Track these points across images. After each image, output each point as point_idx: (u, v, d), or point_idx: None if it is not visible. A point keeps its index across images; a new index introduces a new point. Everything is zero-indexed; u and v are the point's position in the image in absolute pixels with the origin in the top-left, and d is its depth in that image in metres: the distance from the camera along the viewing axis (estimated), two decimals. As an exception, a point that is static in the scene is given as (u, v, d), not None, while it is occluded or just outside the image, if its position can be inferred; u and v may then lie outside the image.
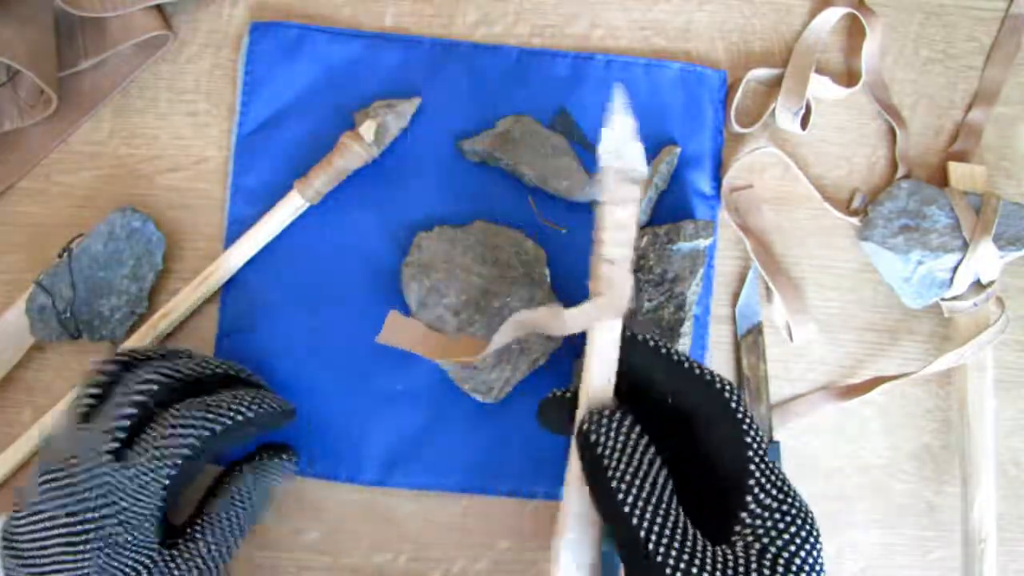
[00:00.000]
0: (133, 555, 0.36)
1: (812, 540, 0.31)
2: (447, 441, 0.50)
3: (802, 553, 0.30)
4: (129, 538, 0.37)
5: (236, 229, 0.50)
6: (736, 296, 0.52)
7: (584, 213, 0.51)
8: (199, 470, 0.42)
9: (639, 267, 0.49)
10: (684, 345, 0.49)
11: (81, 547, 0.36)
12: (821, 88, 0.53)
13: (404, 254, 0.50)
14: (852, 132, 0.54)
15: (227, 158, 0.52)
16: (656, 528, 0.30)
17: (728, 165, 0.52)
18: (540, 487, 0.50)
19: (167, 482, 0.37)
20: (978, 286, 0.49)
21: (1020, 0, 0.55)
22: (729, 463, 0.32)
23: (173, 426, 0.38)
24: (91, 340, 0.48)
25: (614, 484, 0.31)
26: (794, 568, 0.30)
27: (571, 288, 0.51)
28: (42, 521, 0.36)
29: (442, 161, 0.51)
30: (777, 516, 0.31)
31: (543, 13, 0.54)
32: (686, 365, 0.34)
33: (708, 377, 0.34)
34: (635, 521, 0.30)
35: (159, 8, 0.51)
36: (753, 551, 0.30)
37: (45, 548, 0.36)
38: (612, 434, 0.32)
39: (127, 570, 0.36)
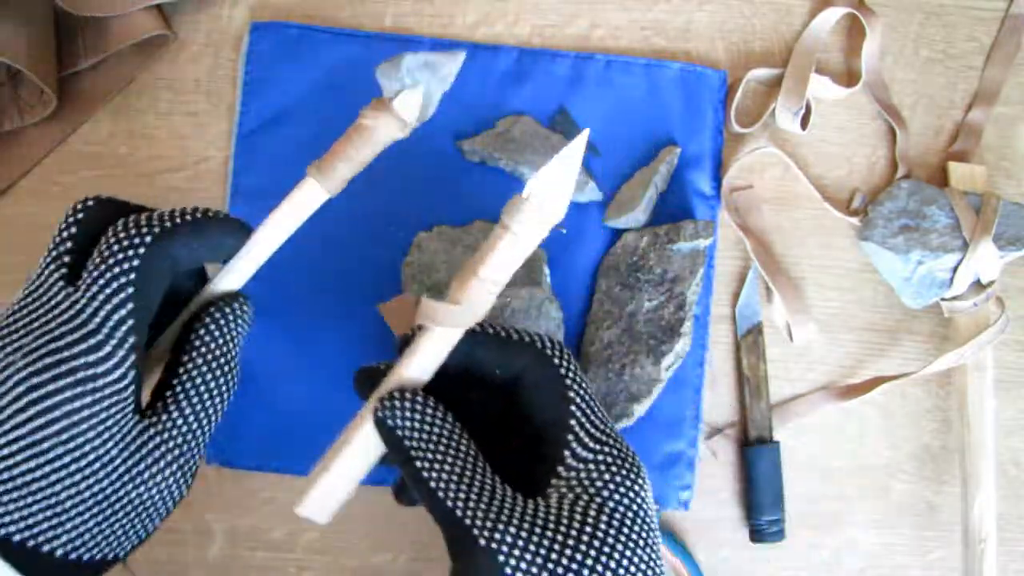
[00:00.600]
0: (98, 421, 0.29)
1: (629, 485, 0.31)
2: (447, 441, 0.50)
3: (616, 497, 0.30)
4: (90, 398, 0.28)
5: (236, 229, 0.50)
6: (736, 296, 0.52)
7: (584, 213, 0.51)
8: (149, 312, 0.31)
9: (639, 267, 0.49)
10: (684, 345, 0.49)
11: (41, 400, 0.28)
12: (821, 88, 0.53)
13: (404, 254, 0.50)
14: (852, 132, 0.54)
15: (227, 158, 0.52)
16: (462, 495, 0.30)
17: (728, 165, 0.52)
18: (540, 487, 0.50)
19: (126, 311, 0.29)
20: (978, 286, 0.49)
21: (1020, 0, 0.55)
22: (550, 421, 0.32)
23: (110, 239, 0.30)
24: None
25: (418, 464, 0.31)
26: (607, 512, 0.30)
27: (571, 288, 0.51)
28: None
29: (442, 161, 0.51)
30: (592, 466, 0.31)
31: (543, 13, 0.54)
32: (507, 335, 0.34)
33: (528, 340, 0.34)
34: (441, 494, 0.30)
35: (159, 8, 0.51)
36: (566, 500, 0.30)
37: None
38: (408, 414, 0.32)
39: (92, 439, 0.28)
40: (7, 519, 0.27)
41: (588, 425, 0.32)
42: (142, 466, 0.30)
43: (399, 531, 0.50)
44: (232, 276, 0.35)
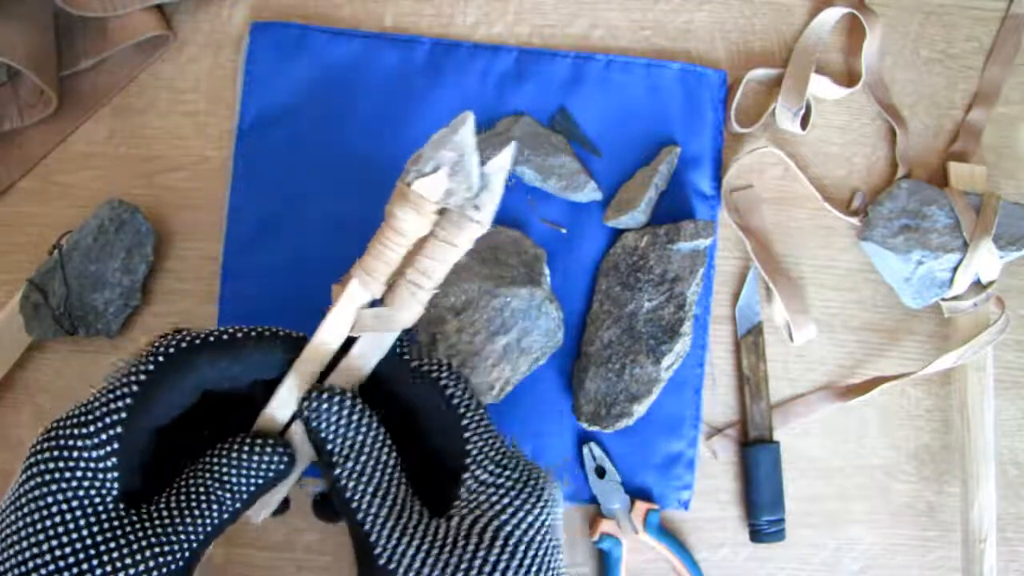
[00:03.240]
0: (86, 506, 0.30)
1: (528, 509, 0.32)
2: (447, 441, 0.50)
3: (514, 521, 0.32)
4: (81, 492, 0.30)
5: (236, 229, 0.50)
6: (736, 296, 0.52)
7: (584, 213, 0.51)
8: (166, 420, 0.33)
9: (639, 267, 0.49)
10: (684, 345, 0.49)
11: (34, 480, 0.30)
12: (821, 88, 0.53)
13: (404, 254, 0.50)
14: (852, 132, 0.54)
15: (227, 158, 0.52)
16: (374, 510, 0.31)
17: (728, 165, 0.52)
18: (540, 487, 0.50)
19: (122, 404, 0.31)
20: (978, 286, 0.49)
21: (1020, 0, 0.55)
22: (449, 448, 0.34)
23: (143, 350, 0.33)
24: (86, 336, 0.48)
25: (338, 471, 0.32)
26: (502, 536, 0.31)
27: (571, 288, 0.51)
28: None
29: (442, 161, 0.51)
30: (492, 490, 0.32)
31: (543, 13, 0.54)
32: (405, 357, 0.35)
33: (424, 368, 0.35)
34: (355, 505, 0.31)
35: (159, 8, 0.51)
36: (466, 522, 0.32)
37: None
38: (334, 416, 0.32)
39: (62, 502, 0.30)
40: None
41: (488, 449, 0.34)
42: (112, 545, 0.30)
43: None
44: (289, 388, 0.34)
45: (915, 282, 0.50)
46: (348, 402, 0.33)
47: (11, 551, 0.29)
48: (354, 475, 0.32)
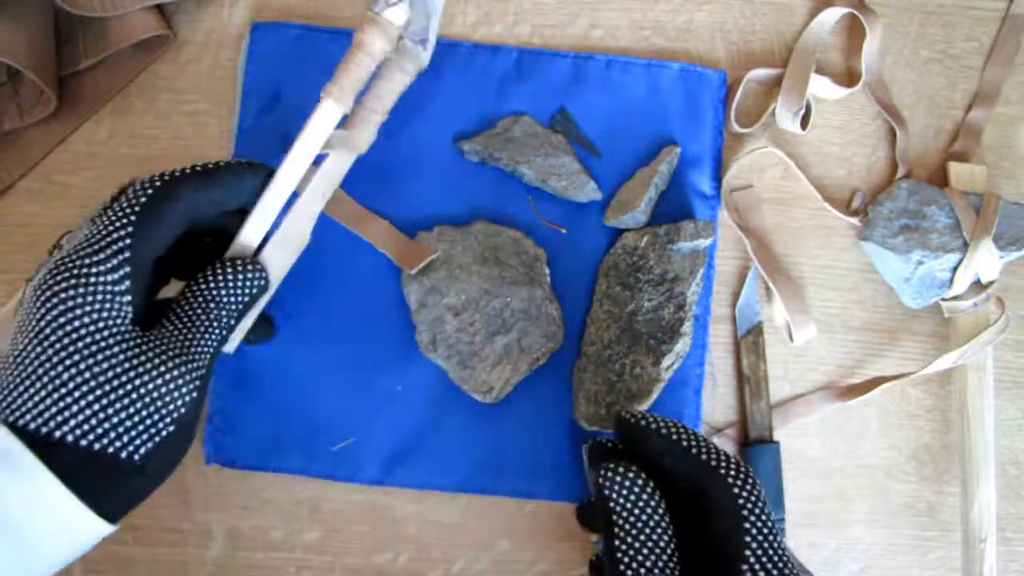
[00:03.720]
0: (110, 326, 0.33)
1: None
2: (447, 441, 0.50)
3: None
4: (103, 315, 0.33)
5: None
6: (736, 296, 0.52)
7: (584, 213, 0.51)
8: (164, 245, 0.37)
9: (639, 267, 0.49)
10: (684, 345, 0.49)
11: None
12: (821, 88, 0.53)
13: (404, 254, 0.50)
14: (852, 132, 0.54)
15: (227, 158, 0.52)
16: None
17: (728, 165, 0.52)
18: (540, 487, 0.50)
19: (124, 232, 0.34)
20: (978, 286, 0.49)
21: (1020, 0, 0.55)
22: (725, 548, 0.34)
23: (128, 187, 0.36)
24: None
25: (617, 543, 0.33)
26: None
27: (571, 288, 0.51)
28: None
29: (442, 161, 0.51)
30: None
31: (543, 13, 0.54)
32: (689, 446, 0.36)
33: (712, 461, 0.35)
34: None
35: (159, 8, 0.51)
36: None
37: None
38: (625, 491, 0.34)
39: (88, 326, 0.32)
40: (22, 408, 0.31)
41: (764, 558, 0.33)
42: (142, 358, 0.33)
43: (399, 531, 0.50)
44: (261, 214, 0.40)
45: (915, 282, 0.50)
46: (640, 480, 0.34)
47: (45, 378, 0.31)
48: (631, 551, 0.33)
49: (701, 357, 0.51)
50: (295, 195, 0.42)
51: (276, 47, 0.52)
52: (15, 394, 0.31)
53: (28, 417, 0.31)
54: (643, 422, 0.37)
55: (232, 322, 0.37)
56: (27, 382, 0.31)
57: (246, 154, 0.51)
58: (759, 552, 0.33)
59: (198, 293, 0.36)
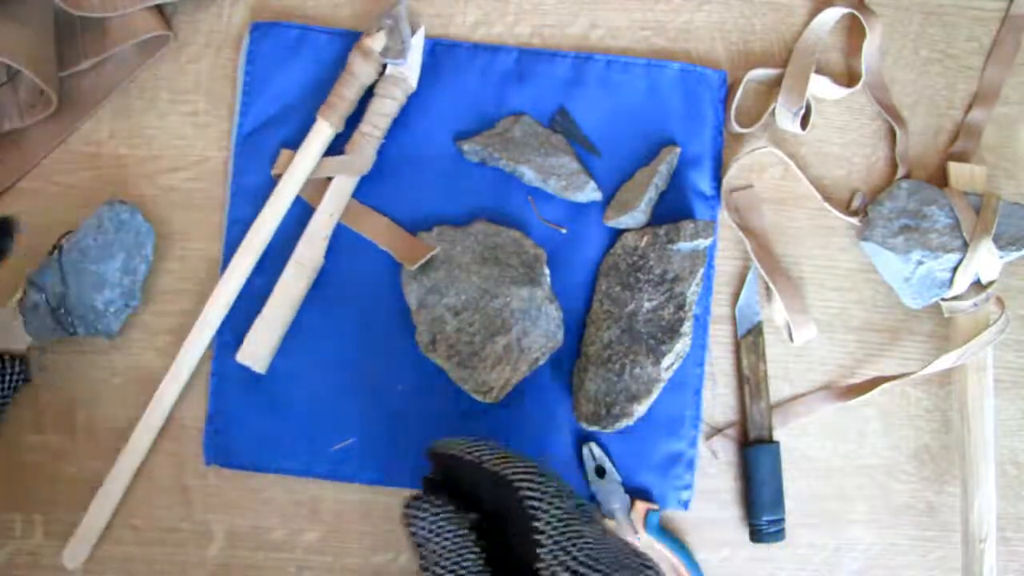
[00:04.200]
0: None
1: None
2: (447, 441, 0.50)
3: None
4: None
5: (236, 229, 0.50)
6: (736, 296, 0.52)
7: (584, 213, 0.51)
8: None
9: (639, 267, 0.49)
10: (684, 345, 0.49)
11: None
12: (821, 88, 0.53)
13: (404, 254, 0.50)
14: (852, 132, 0.54)
15: (227, 158, 0.52)
16: None
17: (728, 165, 0.52)
18: (540, 487, 0.50)
19: None
20: (978, 286, 0.49)
21: (1020, 0, 0.55)
22: (525, 548, 0.35)
23: None
24: (87, 335, 0.48)
25: (427, 572, 0.35)
26: None
27: (571, 288, 0.51)
28: None
29: (442, 161, 0.51)
30: None
31: (543, 13, 0.54)
32: (483, 462, 0.37)
33: (502, 470, 0.36)
34: None
35: (159, 8, 0.51)
36: None
37: None
38: (426, 523, 0.35)
39: None
40: None
41: (562, 556, 0.34)
42: None
43: (399, 531, 0.50)
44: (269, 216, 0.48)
45: (915, 282, 0.50)
46: (438, 510, 0.36)
47: None
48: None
49: (701, 357, 0.51)
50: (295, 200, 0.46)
51: (276, 47, 0.52)
52: None
53: None
54: (450, 450, 0.38)
55: None
56: None
57: (246, 153, 0.51)
58: (552, 545, 0.34)
59: None
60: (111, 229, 0.48)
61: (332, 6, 0.53)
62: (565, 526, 0.34)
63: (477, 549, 0.35)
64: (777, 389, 0.52)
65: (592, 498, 0.50)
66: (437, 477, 0.39)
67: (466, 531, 0.35)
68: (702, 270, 0.49)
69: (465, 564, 0.35)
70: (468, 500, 0.37)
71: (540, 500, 0.35)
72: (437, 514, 0.35)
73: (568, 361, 0.50)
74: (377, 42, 0.48)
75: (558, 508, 0.35)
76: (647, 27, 0.54)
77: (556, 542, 0.34)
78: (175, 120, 0.52)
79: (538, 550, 0.34)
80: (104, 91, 0.52)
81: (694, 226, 0.49)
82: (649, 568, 0.35)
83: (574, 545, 0.34)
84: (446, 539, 0.35)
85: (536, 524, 0.34)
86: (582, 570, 0.33)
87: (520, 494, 0.35)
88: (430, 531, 0.35)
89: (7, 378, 0.39)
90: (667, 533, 0.50)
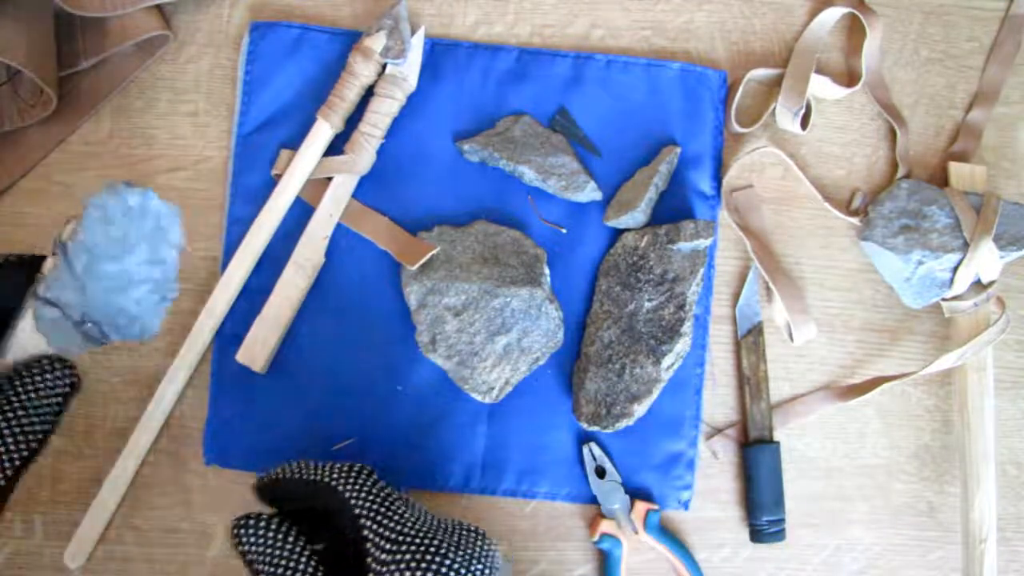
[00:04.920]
0: None
1: (432, 573, 0.36)
2: (447, 441, 0.50)
3: None
4: None
5: (236, 229, 0.50)
6: (736, 296, 0.52)
7: (584, 213, 0.51)
8: None
9: (639, 267, 0.49)
10: (684, 345, 0.49)
11: None
12: (821, 88, 0.53)
13: (404, 254, 0.50)
14: (852, 132, 0.54)
15: (227, 158, 0.52)
16: None
17: (728, 165, 0.52)
18: (540, 487, 0.50)
19: None
20: (978, 286, 0.49)
21: (1020, 0, 0.55)
22: (355, 543, 0.38)
23: None
24: (124, 340, 0.45)
25: None
26: None
27: (571, 288, 0.51)
28: None
29: (442, 161, 0.51)
30: (393, 567, 0.36)
31: (543, 13, 0.54)
32: (307, 477, 0.40)
33: (323, 478, 0.39)
34: None
35: (159, 8, 0.51)
36: None
37: None
38: (253, 539, 0.37)
39: None
40: None
41: (381, 530, 0.37)
42: None
43: (399, 531, 0.50)
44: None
45: (915, 282, 0.50)
46: (263, 523, 0.38)
47: None
48: None
49: (701, 357, 0.51)
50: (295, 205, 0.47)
51: (276, 47, 0.52)
52: None
53: None
54: (275, 476, 0.40)
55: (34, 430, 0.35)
56: None
57: (246, 153, 0.51)
58: (374, 527, 0.37)
59: None
60: (119, 217, 0.43)
61: (332, 6, 0.53)
62: (380, 505, 0.38)
63: (308, 552, 0.37)
64: (777, 389, 0.52)
65: (593, 498, 0.50)
66: (267, 504, 0.42)
67: (294, 535, 0.38)
68: (702, 270, 0.49)
69: (300, 568, 0.37)
70: (302, 515, 0.40)
71: (356, 489, 0.38)
72: (266, 526, 0.37)
73: (568, 361, 0.50)
74: (377, 42, 0.49)
75: (373, 494, 0.38)
76: (647, 27, 0.54)
77: (375, 520, 0.37)
78: (175, 120, 0.52)
79: (363, 531, 0.37)
80: (104, 91, 0.52)
81: (694, 226, 0.49)
82: (470, 531, 0.38)
83: (391, 519, 0.37)
84: (278, 549, 0.37)
85: (356, 511, 0.37)
86: (401, 537, 0.37)
87: (339, 489, 0.38)
88: (261, 545, 0.37)
89: (51, 384, 0.36)
90: (667, 533, 0.50)
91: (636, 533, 0.49)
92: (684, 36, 0.54)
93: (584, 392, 0.48)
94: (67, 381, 0.36)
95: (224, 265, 0.50)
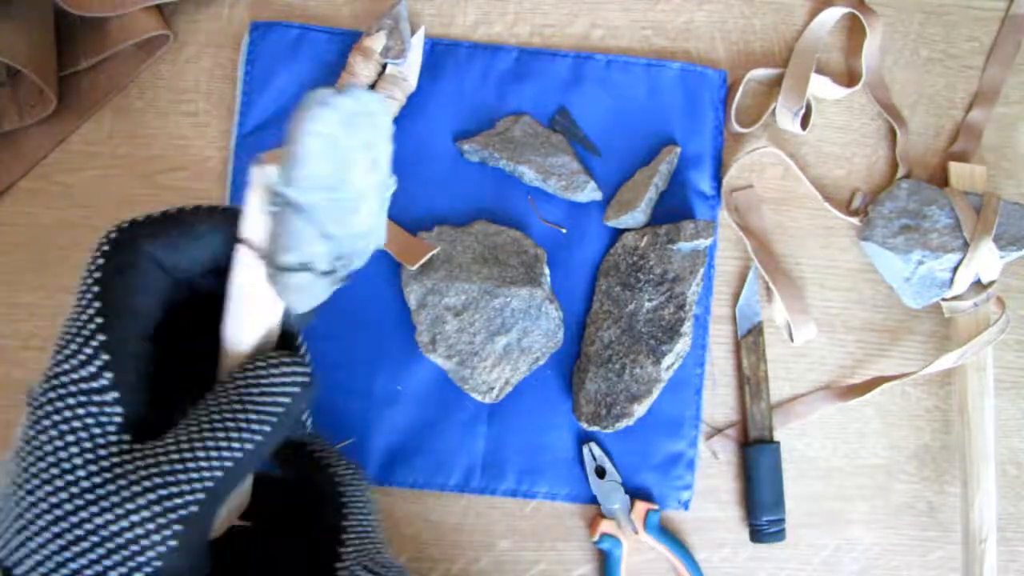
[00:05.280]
0: (83, 440, 0.25)
1: None
2: (447, 441, 0.50)
3: None
4: (77, 423, 0.26)
5: (236, 229, 0.50)
6: (736, 296, 0.52)
7: (584, 213, 0.51)
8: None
9: (639, 267, 0.49)
10: (684, 345, 0.49)
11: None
12: (821, 88, 0.53)
13: (404, 254, 0.50)
14: (852, 132, 0.54)
15: (227, 158, 0.52)
16: None
17: (728, 165, 0.52)
18: (540, 487, 0.50)
19: (93, 311, 0.26)
20: (978, 286, 0.49)
21: (1020, 0, 0.55)
22: (324, 534, 0.33)
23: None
24: (363, 263, 0.35)
25: None
26: None
27: (571, 288, 0.51)
28: None
29: (442, 161, 0.51)
30: None
31: (543, 13, 0.54)
32: (303, 442, 0.35)
33: (317, 452, 0.36)
34: None
35: (159, 8, 0.51)
36: None
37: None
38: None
39: (56, 439, 0.26)
40: None
41: (367, 548, 0.33)
42: (110, 487, 0.24)
43: (399, 531, 0.50)
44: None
45: (915, 282, 0.50)
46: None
47: (11, 505, 0.25)
48: None
49: (701, 357, 0.51)
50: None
51: (275, 47, 0.52)
52: None
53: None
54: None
55: (259, 438, 0.27)
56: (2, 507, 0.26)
57: (246, 153, 0.51)
58: (358, 543, 0.33)
59: (212, 401, 0.27)
60: (343, 135, 0.30)
61: (332, 6, 0.53)
62: (370, 521, 0.34)
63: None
64: (777, 389, 0.52)
65: (593, 498, 0.50)
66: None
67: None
68: (702, 270, 0.49)
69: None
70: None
71: (357, 491, 0.34)
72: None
73: (568, 361, 0.50)
74: (377, 42, 0.49)
75: (367, 505, 0.34)
76: (647, 27, 0.54)
77: (361, 535, 0.33)
78: (175, 120, 0.52)
79: (344, 535, 0.33)
80: (104, 91, 0.52)
81: (694, 226, 0.49)
82: None
83: (375, 542, 0.34)
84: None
85: (346, 510, 0.34)
86: (382, 571, 0.32)
87: (336, 479, 0.34)
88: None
89: (278, 382, 0.29)
90: (667, 533, 0.50)
91: (636, 533, 0.49)
92: (684, 36, 0.54)
93: (584, 392, 0.48)
94: (298, 380, 0.29)
95: (224, 265, 0.50)
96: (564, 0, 0.54)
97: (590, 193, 0.51)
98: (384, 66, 0.50)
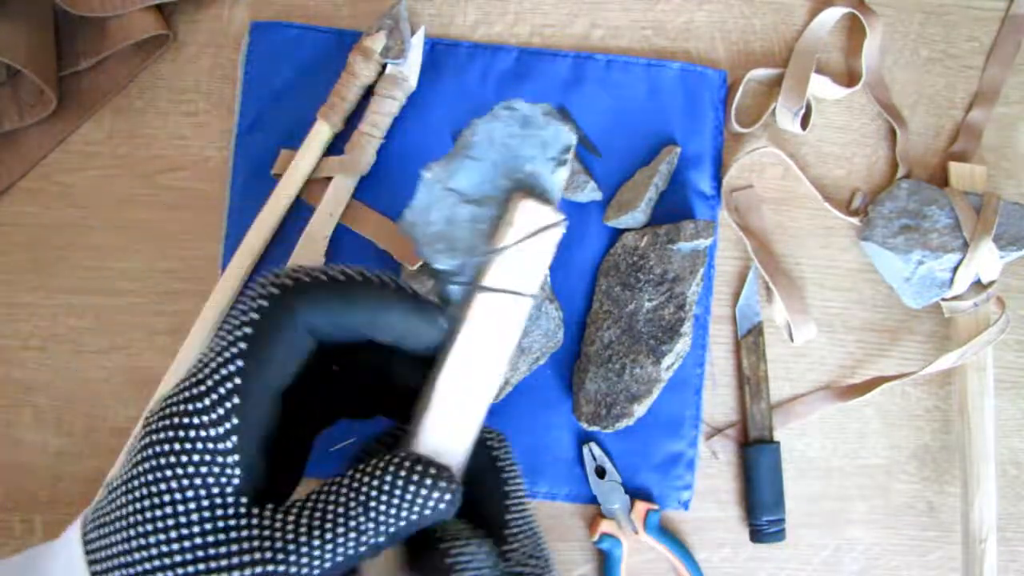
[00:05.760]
0: (202, 497, 0.25)
1: None
2: (447, 441, 0.50)
3: None
4: (198, 480, 0.25)
5: (236, 229, 0.50)
6: (736, 296, 0.52)
7: (584, 213, 0.51)
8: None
9: (639, 267, 0.49)
10: (684, 345, 0.49)
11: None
12: (821, 88, 0.53)
13: (404, 254, 0.50)
14: (852, 132, 0.54)
15: (227, 158, 0.52)
16: None
17: (728, 165, 0.52)
18: (540, 487, 0.50)
19: (234, 368, 0.25)
20: (978, 286, 0.49)
21: (1020, 0, 0.55)
22: (487, 513, 0.30)
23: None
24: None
25: None
26: None
27: (571, 288, 0.51)
28: None
29: (442, 161, 0.51)
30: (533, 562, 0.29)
31: (543, 13, 0.54)
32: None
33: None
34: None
35: (159, 8, 0.51)
36: None
37: None
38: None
39: (190, 515, 0.25)
40: (96, 544, 0.26)
41: (528, 530, 0.30)
42: (223, 550, 0.24)
43: (399, 531, 0.50)
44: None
45: (915, 282, 0.50)
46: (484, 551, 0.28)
47: (120, 538, 0.25)
48: None
49: (701, 357, 0.51)
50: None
51: (275, 47, 0.52)
52: (98, 533, 0.26)
53: (99, 556, 0.26)
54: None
55: (381, 540, 0.26)
56: (107, 528, 0.26)
57: (246, 153, 0.51)
58: (521, 523, 0.30)
59: (349, 486, 0.26)
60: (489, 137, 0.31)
61: (332, 6, 0.53)
62: (527, 506, 0.31)
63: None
64: (777, 389, 0.52)
65: (593, 498, 0.50)
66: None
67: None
68: (702, 270, 0.49)
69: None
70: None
71: (514, 469, 0.31)
72: (485, 557, 0.28)
73: (568, 361, 0.50)
74: (377, 42, 0.49)
75: (523, 484, 0.31)
76: (647, 27, 0.54)
77: (522, 516, 0.30)
78: (175, 120, 0.52)
79: (506, 516, 0.29)
80: (104, 91, 0.52)
81: (694, 226, 0.49)
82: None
83: (532, 526, 0.30)
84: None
85: (508, 488, 0.30)
86: (539, 553, 0.30)
87: (494, 453, 0.30)
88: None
89: (409, 500, 0.27)
90: (667, 533, 0.50)
91: (636, 533, 0.49)
92: (684, 36, 0.54)
93: (584, 392, 0.48)
94: (443, 511, 0.26)
95: (224, 265, 0.50)
96: (564, 0, 0.54)
97: (590, 193, 0.51)
98: (384, 66, 0.50)
